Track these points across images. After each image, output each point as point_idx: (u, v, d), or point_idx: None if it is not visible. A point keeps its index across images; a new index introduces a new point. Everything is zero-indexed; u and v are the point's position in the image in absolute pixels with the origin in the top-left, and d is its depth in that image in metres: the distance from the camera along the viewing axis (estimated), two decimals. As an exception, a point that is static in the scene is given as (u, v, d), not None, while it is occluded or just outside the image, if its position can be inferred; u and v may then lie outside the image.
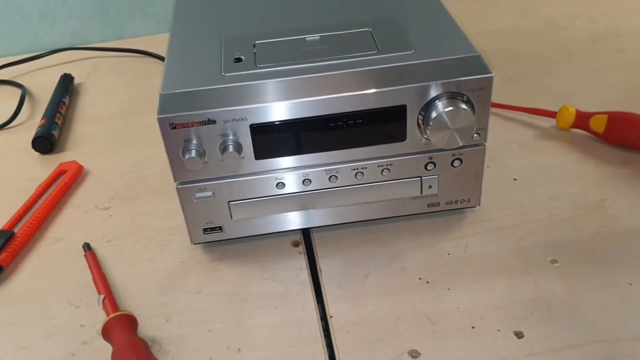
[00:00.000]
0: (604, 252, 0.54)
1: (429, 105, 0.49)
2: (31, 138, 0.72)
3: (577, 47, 0.84)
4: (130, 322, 0.48)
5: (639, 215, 0.57)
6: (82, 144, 0.73)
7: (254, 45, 0.54)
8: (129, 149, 0.71)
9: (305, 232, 0.58)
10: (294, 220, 0.56)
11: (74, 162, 0.68)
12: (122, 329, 0.47)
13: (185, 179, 0.51)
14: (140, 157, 0.70)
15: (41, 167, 0.70)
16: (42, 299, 0.54)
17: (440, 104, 0.49)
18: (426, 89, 0.49)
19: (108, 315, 0.49)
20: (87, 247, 0.57)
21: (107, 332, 0.47)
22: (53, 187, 0.65)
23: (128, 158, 0.70)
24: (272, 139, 0.50)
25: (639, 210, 0.58)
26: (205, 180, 0.52)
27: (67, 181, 0.65)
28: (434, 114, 0.49)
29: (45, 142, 0.71)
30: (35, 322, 0.51)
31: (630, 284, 0.50)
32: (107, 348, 0.47)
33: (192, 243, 0.55)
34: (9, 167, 0.71)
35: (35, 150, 0.72)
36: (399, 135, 0.51)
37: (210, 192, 0.52)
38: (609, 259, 0.53)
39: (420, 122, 0.50)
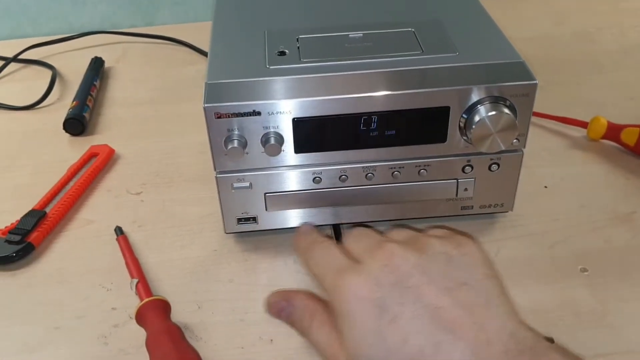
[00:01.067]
0: (634, 264, 0.54)
1: (472, 109, 0.50)
2: (61, 119, 0.72)
3: (607, 59, 0.84)
4: (164, 307, 0.48)
5: (670, 229, 0.57)
6: (113, 128, 0.74)
7: (297, 40, 0.54)
8: (159, 136, 0.72)
9: (337, 228, 0.58)
10: (327, 215, 0.56)
11: (106, 145, 0.68)
12: (157, 313, 0.47)
13: (225, 168, 0.51)
14: (171, 145, 0.70)
15: (71, 149, 0.70)
16: (73, 280, 0.54)
17: (483, 108, 0.49)
18: (470, 92, 0.49)
19: (142, 299, 0.49)
20: (119, 230, 0.58)
21: (141, 317, 0.48)
22: (84, 170, 0.65)
23: (158, 145, 0.70)
24: (313, 134, 0.50)
25: (669, 225, 0.58)
26: (244, 171, 0.52)
27: (99, 164, 0.66)
28: (477, 118, 0.49)
29: (76, 124, 0.72)
30: (66, 302, 0.52)
31: (661, 297, 0.51)
32: (138, 331, 0.48)
33: (225, 232, 0.56)
34: (39, 147, 0.71)
35: (66, 131, 0.72)
36: (440, 136, 0.51)
37: (248, 183, 0.52)
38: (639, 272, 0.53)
39: (462, 124, 0.50)
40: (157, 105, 0.77)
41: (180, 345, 0.45)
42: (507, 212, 0.58)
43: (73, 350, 0.48)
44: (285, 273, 0.54)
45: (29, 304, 0.52)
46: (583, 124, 0.69)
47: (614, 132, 0.67)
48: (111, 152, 0.68)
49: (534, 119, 0.72)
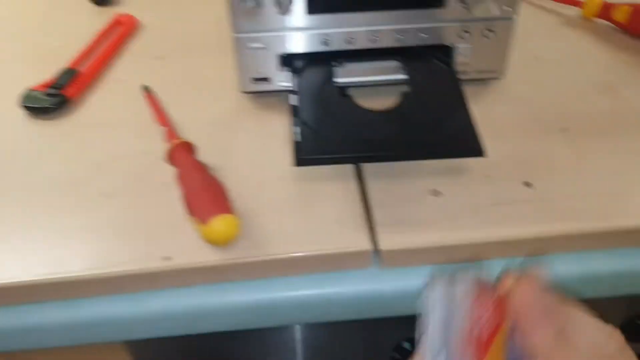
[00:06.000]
0: (611, 126, 0.60)
1: (469, -25, 0.54)
2: (84, -9, 0.77)
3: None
4: (190, 148, 0.55)
5: (648, 97, 0.63)
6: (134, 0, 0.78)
7: None
8: (180, 6, 0.76)
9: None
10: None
11: (130, 15, 0.73)
12: (185, 153, 0.54)
13: (241, 29, 0.57)
14: (192, 14, 0.75)
15: (97, 18, 0.75)
16: (109, 128, 0.60)
17: (480, -26, 0.54)
18: (469, -41, 0.53)
19: (170, 142, 0.56)
20: (146, 88, 0.64)
21: (171, 156, 0.54)
22: (111, 37, 0.70)
23: (180, 14, 0.75)
24: (324, -5, 0.55)
25: (648, 93, 0.63)
26: (259, 31, 0.57)
27: (124, 31, 0.71)
28: (473, -17, 0.54)
29: (101, -6, 0.76)
30: (104, 145, 0.59)
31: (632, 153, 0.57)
32: (167, 169, 0.55)
33: (241, 91, 0.62)
34: (65, 16, 0.76)
35: (91, 1, 0.76)
36: (438, 1, 0.56)
37: (263, 44, 0.58)
38: (616, 132, 0.59)
39: (460, -10, 0.55)
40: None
41: (207, 176, 0.52)
42: (498, 78, 0.63)
43: (115, 183, 0.55)
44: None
45: (70, 147, 0.59)
46: (578, 3, 0.73)
47: (607, 10, 0.72)
48: (135, 20, 0.73)
49: (532, -3, 0.76)
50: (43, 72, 0.66)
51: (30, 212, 0.53)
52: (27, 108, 0.62)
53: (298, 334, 0.69)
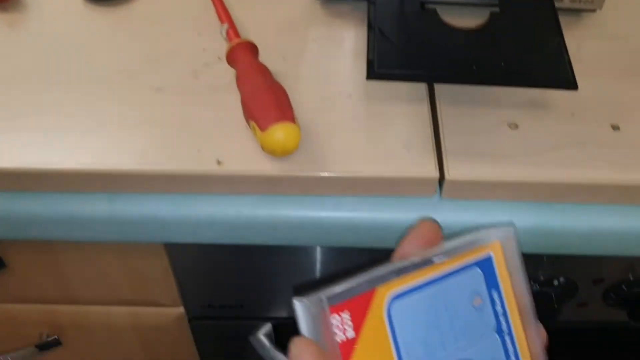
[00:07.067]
0: None
1: None
2: None
3: None
4: (253, 49, 0.51)
5: None
6: None
7: None
8: None
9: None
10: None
11: None
12: (247, 54, 0.50)
13: None
14: None
15: None
16: (167, 22, 0.57)
17: None
18: None
19: (231, 42, 0.52)
20: (210, -17, 0.59)
21: (232, 56, 0.51)
22: None
23: None
24: None
25: None
26: None
27: None
28: None
29: None
30: (162, 40, 0.55)
31: None
32: (225, 70, 0.51)
33: (312, -5, 0.57)
34: None
35: None
36: None
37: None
38: None
39: None
40: None
41: (270, 80, 0.48)
42: (595, 10, 0.57)
43: (168, 78, 0.52)
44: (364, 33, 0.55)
45: (127, 38, 0.55)
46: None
47: None
48: None
49: None
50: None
51: (81, 100, 0.50)
52: (85, -9, 0.58)
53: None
